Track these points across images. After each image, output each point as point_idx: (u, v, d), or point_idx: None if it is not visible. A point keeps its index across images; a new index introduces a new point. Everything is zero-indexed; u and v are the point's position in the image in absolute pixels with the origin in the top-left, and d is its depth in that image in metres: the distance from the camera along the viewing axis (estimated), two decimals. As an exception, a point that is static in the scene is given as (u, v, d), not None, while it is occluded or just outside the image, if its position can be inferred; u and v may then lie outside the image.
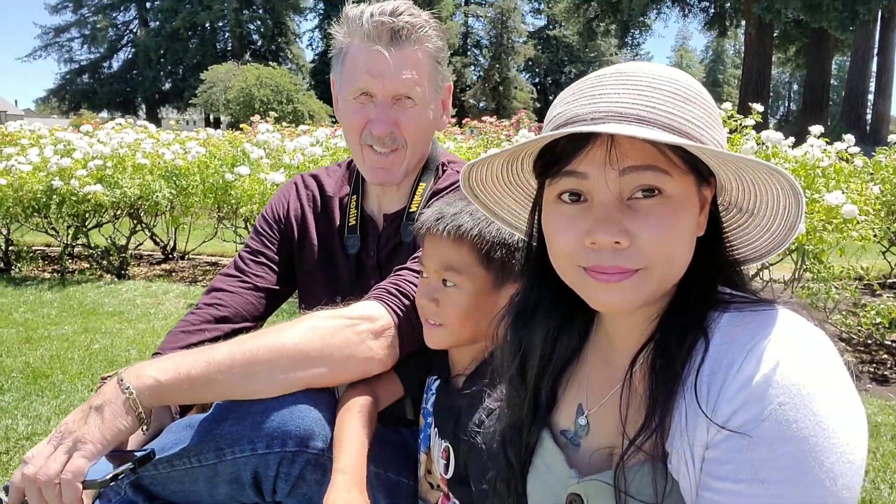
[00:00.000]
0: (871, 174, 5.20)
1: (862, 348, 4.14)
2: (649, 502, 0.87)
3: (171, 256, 7.36)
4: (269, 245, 1.78)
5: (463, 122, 10.03)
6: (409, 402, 1.62)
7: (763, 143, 4.00)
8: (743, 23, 34.47)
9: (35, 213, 6.07)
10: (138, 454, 1.26)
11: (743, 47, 36.88)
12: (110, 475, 1.21)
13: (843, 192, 3.65)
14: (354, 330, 1.40)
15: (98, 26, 53.38)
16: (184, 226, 7.11)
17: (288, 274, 1.79)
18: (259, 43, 55.65)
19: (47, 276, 6.44)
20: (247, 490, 1.34)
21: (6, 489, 1.24)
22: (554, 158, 0.87)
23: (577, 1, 40.71)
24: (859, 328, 3.95)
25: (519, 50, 58.59)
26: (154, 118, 48.48)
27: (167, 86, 54.44)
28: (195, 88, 41.57)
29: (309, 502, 1.33)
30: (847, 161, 4.78)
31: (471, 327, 1.35)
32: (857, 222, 3.60)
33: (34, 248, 7.50)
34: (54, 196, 5.75)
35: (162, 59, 52.72)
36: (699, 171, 0.86)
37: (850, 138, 4.84)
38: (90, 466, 1.22)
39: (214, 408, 1.40)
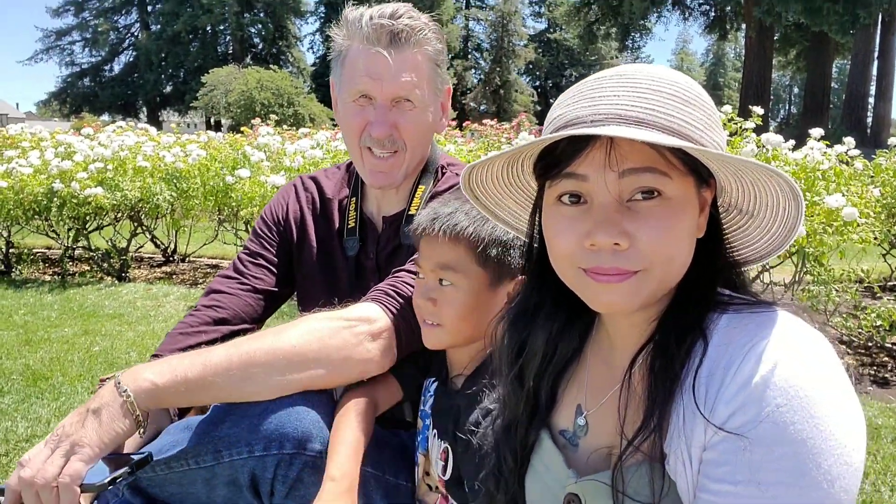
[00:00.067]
0: (872, 177, 5.19)
1: (862, 351, 4.14)
2: (647, 503, 0.86)
3: (171, 259, 7.36)
4: (268, 247, 1.78)
5: (463, 125, 10.02)
6: (407, 404, 1.61)
7: (763, 146, 4.00)
8: (743, 26, 34.48)
9: (36, 216, 6.08)
10: (136, 457, 1.25)
11: (743, 51, 36.88)
12: (108, 478, 1.20)
13: (844, 195, 3.65)
14: (352, 331, 1.39)
15: (99, 29, 53.57)
16: (184, 228, 7.10)
17: (287, 276, 1.79)
18: (260, 46, 55.80)
19: (48, 278, 6.44)
20: (244, 492, 1.34)
21: (2, 491, 1.23)
22: (554, 160, 0.87)
23: (578, 4, 40.83)
24: (860, 331, 3.95)
25: (520, 53, 58.69)
26: (155, 121, 48.61)
27: (168, 89, 54.59)
28: (196, 91, 41.74)
29: (307, 504, 1.33)
30: (847, 164, 4.78)
31: (468, 326, 1.35)
32: (858, 225, 3.59)
33: (35, 250, 7.50)
34: (55, 199, 5.76)
35: (163, 63, 52.89)
36: (699, 172, 0.86)
37: (850, 141, 4.84)
38: (88, 470, 1.21)
39: (212, 410, 1.39)
